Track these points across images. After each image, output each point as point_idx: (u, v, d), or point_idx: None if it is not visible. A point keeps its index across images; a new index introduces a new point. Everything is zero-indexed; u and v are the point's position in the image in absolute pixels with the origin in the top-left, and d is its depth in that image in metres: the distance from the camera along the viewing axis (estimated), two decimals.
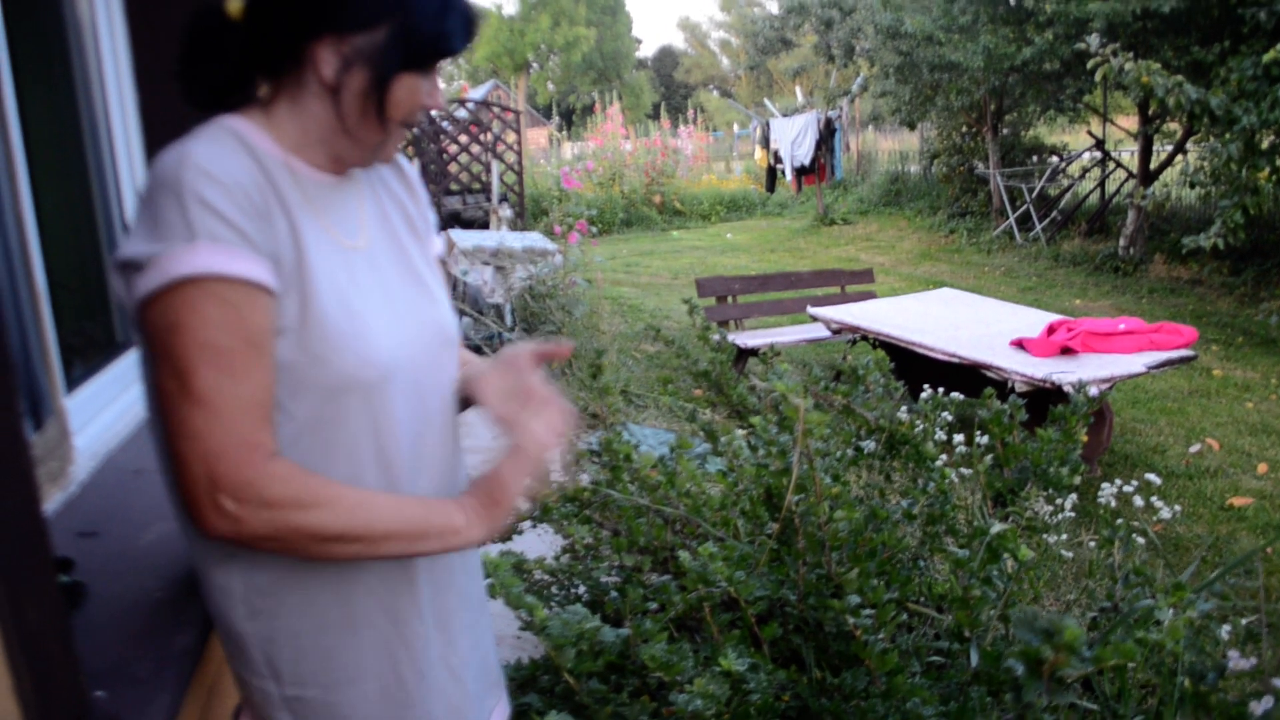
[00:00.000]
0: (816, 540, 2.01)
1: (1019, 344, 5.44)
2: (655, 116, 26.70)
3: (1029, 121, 15.14)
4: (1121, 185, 13.57)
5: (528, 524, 2.52)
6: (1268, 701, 1.68)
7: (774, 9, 30.44)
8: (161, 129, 2.44)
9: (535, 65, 46.05)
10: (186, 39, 1.24)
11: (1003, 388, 4.86)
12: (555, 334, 6.98)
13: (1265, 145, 7.22)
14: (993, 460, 2.54)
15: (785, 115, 17.48)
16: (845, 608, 1.85)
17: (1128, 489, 2.83)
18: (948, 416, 2.97)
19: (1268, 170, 7.07)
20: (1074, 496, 2.80)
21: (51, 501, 1.74)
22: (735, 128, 34.64)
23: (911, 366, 5.38)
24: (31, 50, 1.98)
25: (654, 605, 2.02)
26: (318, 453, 1.20)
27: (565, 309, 7.54)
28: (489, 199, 12.63)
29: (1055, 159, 14.99)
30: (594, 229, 8.80)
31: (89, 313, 2.32)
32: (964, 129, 15.33)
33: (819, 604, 2.04)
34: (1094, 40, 7.22)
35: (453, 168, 12.79)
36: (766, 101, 20.34)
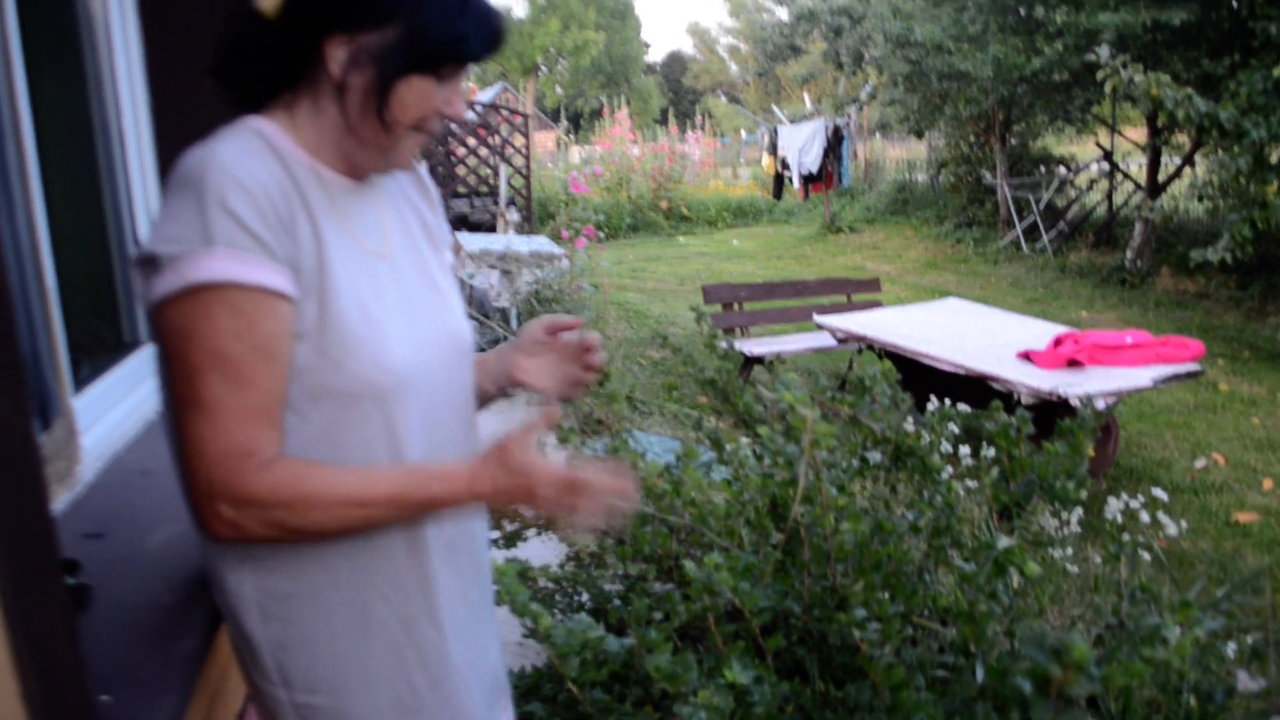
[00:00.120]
0: (822, 552, 2.01)
1: (1025, 356, 5.43)
2: (663, 121, 26.75)
3: (1037, 132, 15.14)
4: (1129, 197, 13.56)
5: (532, 531, 2.51)
6: None
7: (783, 16, 30.45)
8: (173, 128, 2.44)
9: (544, 68, 46.08)
10: (224, 38, 1.24)
11: (1008, 399, 4.85)
12: None
13: (1274, 159, 7.21)
14: (999, 473, 2.53)
15: (793, 122, 17.48)
16: (851, 621, 1.84)
17: (1134, 504, 2.82)
18: (954, 428, 2.96)
19: (1276, 184, 7.06)
20: (1080, 511, 2.79)
21: (58, 502, 1.74)
22: (743, 134, 34.67)
23: (917, 377, 5.36)
24: (44, 48, 1.98)
25: (658, 615, 2.01)
26: (332, 458, 1.20)
27: (571, 314, 7.53)
28: (496, 202, 12.64)
29: (1063, 170, 14.97)
30: (601, 234, 8.79)
31: (97, 312, 2.32)
32: (972, 138, 15.32)
33: (824, 616, 2.03)
34: (1104, 52, 7.21)
35: (460, 170, 12.82)
36: (774, 108, 20.35)
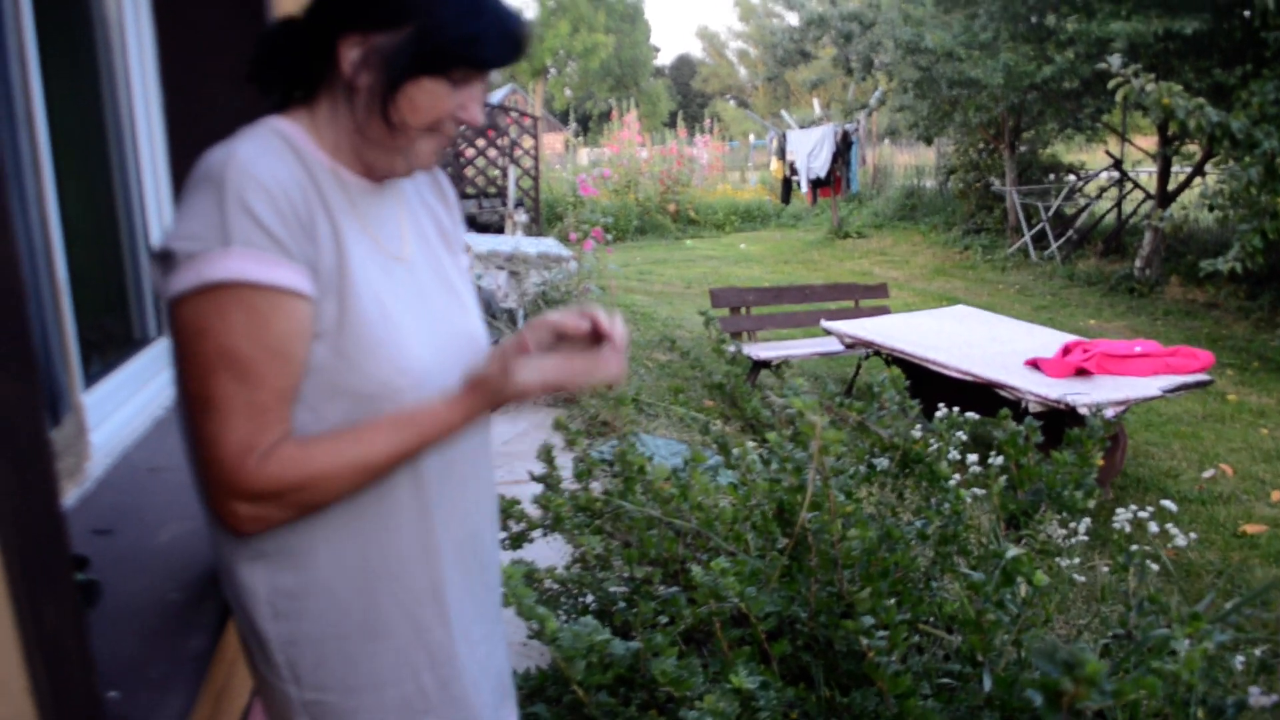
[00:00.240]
0: (829, 558, 2.00)
1: (1034, 364, 5.41)
2: (672, 125, 26.72)
3: (1047, 139, 15.11)
4: (1138, 206, 13.53)
5: (538, 533, 2.51)
6: None
7: (793, 21, 30.47)
8: (185, 126, 2.45)
9: (553, 70, 46.10)
10: (261, 39, 1.26)
11: (1016, 407, 4.84)
12: None
13: None
14: (1006, 481, 2.52)
15: (802, 127, 17.47)
16: (859, 628, 1.83)
17: (1143, 514, 2.82)
18: (962, 436, 2.96)
19: None
20: (1087, 520, 2.78)
21: (67, 498, 1.74)
22: (751, 138, 34.68)
23: (924, 384, 5.35)
24: (59, 46, 1.98)
25: (664, 619, 2.01)
26: None
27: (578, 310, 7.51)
28: (504, 203, 12.66)
29: (1072, 178, 14.95)
30: (608, 236, 8.78)
31: (108, 308, 2.33)
32: (981, 145, 15.30)
33: (830, 622, 2.03)
34: (1115, 60, 7.18)
35: (469, 171, 12.83)
36: (783, 113, 20.34)
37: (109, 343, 2.25)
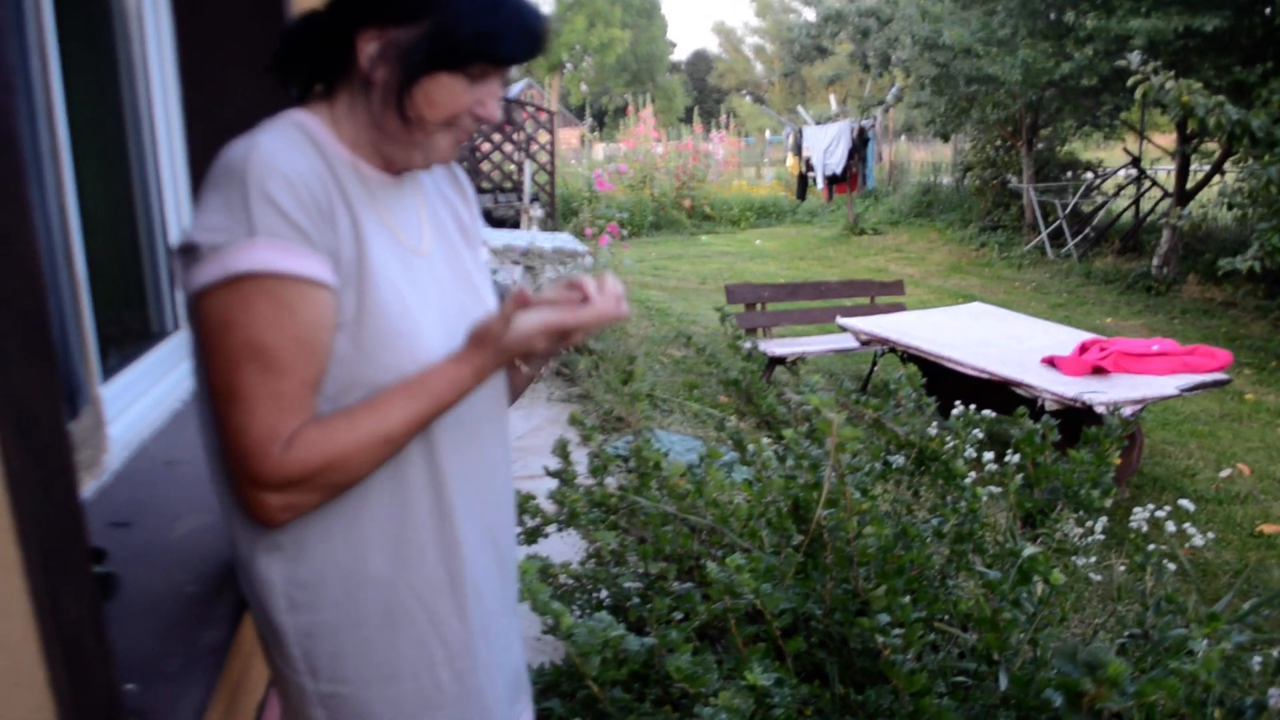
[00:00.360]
0: (844, 555, 2.00)
1: (1050, 362, 5.39)
2: (687, 120, 26.65)
3: (1064, 137, 15.04)
4: (1156, 204, 13.45)
5: (553, 528, 2.52)
6: None
7: (810, 17, 30.35)
8: (204, 119, 2.46)
9: (569, 65, 46.11)
10: (283, 32, 1.27)
11: (1033, 405, 4.82)
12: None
13: None
14: (1023, 479, 2.51)
15: (818, 123, 17.42)
16: (874, 626, 1.83)
17: (1160, 514, 2.80)
18: (978, 433, 2.95)
19: None
20: (1104, 519, 2.77)
21: (85, 490, 1.75)
22: (767, 134, 34.65)
23: (940, 381, 5.34)
24: (78, 39, 1.99)
25: (678, 614, 2.01)
26: None
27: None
28: (520, 198, 12.67)
29: (1090, 175, 14.88)
30: (623, 231, 8.78)
31: (126, 301, 2.34)
32: (998, 142, 15.24)
33: (845, 619, 2.03)
34: (1135, 58, 7.13)
35: (485, 166, 12.84)
36: (800, 109, 20.30)
37: (127, 336, 2.26)
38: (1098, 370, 5.22)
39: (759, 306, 7.55)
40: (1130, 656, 2.07)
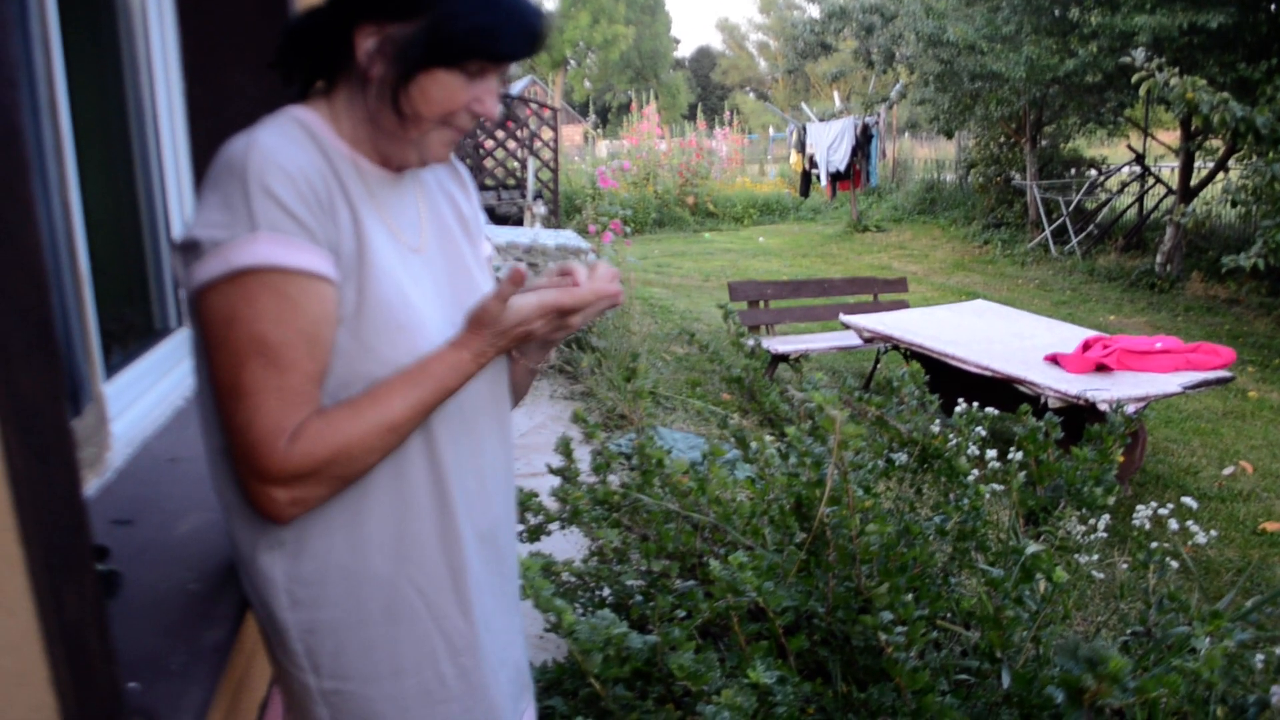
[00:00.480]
0: (847, 553, 2.00)
1: (1053, 359, 5.38)
2: (691, 117, 26.65)
3: (1068, 133, 15.02)
4: (1160, 201, 13.43)
5: (556, 525, 2.52)
6: None
7: (814, 13, 30.32)
8: (207, 115, 2.46)
9: (573, 62, 46.09)
10: (285, 28, 1.27)
11: (1036, 403, 4.81)
12: (584, 333, 6.96)
13: None
14: (1026, 477, 2.51)
15: (822, 120, 17.41)
16: (876, 623, 1.83)
17: (1163, 511, 2.80)
18: (981, 431, 2.95)
19: None
20: (1107, 516, 2.77)
21: (88, 488, 1.75)
22: (771, 131, 34.60)
23: (943, 378, 5.33)
24: (82, 35, 1.99)
25: (681, 612, 2.01)
26: None
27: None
28: (523, 195, 12.66)
29: (1094, 172, 14.85)
30: (627, 228, 8.78)
31: (129, 299, 2.34)
32: (1002, 139, 15.22)
33: (848, 617, 2.03)
34: (1139, 54, 7.12)
35: (488, 163, 12.83)
36: (803, 105, 20.27)
37: (130, 333, 2.26)
38: (1101, 368, 5.22)
39: (762, 304, 7.55)
40: (1133, 654, 2.07)
